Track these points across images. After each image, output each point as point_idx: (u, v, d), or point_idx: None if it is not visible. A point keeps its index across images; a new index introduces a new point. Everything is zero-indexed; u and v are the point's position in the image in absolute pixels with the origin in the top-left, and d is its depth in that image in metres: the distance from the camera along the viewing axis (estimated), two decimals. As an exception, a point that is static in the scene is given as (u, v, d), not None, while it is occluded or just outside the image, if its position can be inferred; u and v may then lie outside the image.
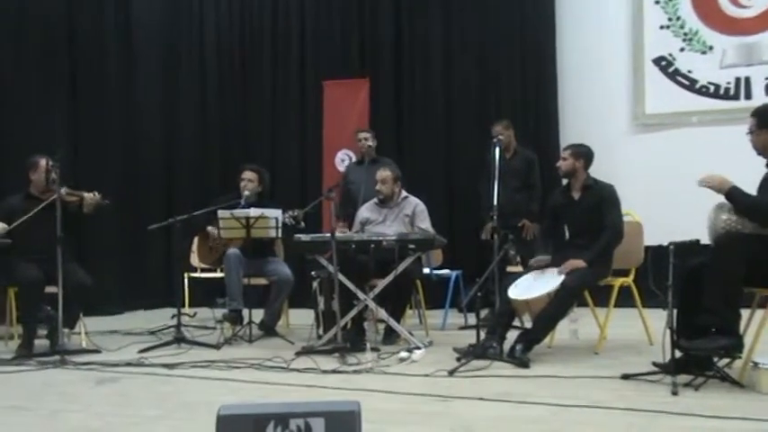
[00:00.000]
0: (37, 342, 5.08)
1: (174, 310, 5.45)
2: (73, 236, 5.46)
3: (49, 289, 5.02)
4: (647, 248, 4.95)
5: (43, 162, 5.30)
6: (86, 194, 5.32)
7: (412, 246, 5.08)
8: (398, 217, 5.62)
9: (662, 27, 7.59)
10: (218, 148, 8.86)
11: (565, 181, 5.04)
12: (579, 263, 4.53)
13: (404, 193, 5.74)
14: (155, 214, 7.08)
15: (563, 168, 4.88)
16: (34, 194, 5.35)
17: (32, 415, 3.40)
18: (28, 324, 5.06)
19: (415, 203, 5.67)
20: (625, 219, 4.84)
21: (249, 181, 6.02)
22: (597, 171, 4.98)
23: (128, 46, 8.31)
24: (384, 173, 5.70)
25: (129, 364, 4.54)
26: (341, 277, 4.95)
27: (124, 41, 8.27)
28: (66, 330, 4.97)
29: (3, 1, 7.22)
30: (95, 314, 6.66)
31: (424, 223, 5.55)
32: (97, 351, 5.05)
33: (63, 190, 5.13)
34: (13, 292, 5.26)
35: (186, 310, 6.15)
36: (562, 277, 4.48)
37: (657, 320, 4.13)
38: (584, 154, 4.87)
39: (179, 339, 5.24)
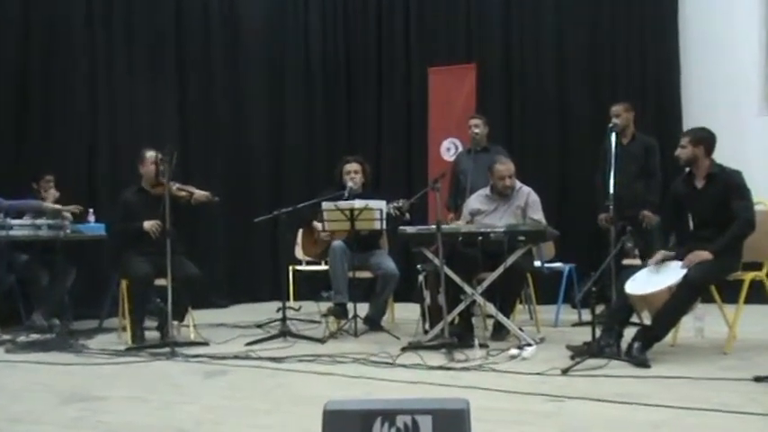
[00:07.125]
0: (147, 334, 5.23)
1: (280, 304, 5.46)
2: (183, 229, 5.57)
3: (160, 281, 5.13)
4: (782, 239, 4.55)
5: (151, 155, 5.43)
6: (197, 191, 5.41)
7: (522, 237, 4.89)
8: (510, 208, 5.41)
9: (800, 0, 7.07)
10: (324, 139, 8.87)
11: (687, 169, 4.71)
12: (704, 254, 4.26)
13: (518, 184, 5.51)
14: (262, 208, 7.14)
15: (682, 157, 4.57)
16: (145, 188, 5.52)
17: (149, 406, 3.46)
18: (138, 318, 5.20)
19: (527, 193, 5.45)
20: (757, 208, 4.51)
21: (354, 173, 5.90)
22: (724, 157, 4.64)
23: (235, 38, 8.43)
24: (508, 166, 5.43)
25: (236, 357, 4.58)
26: (447, 271, 4.84)
27: (231, 35, 8.40)
28: (175, 323, 5.07)
29: (117, 8, 7.46)
30: (203, 307, 6.81)
31: (537, 214, 5.33)
32: (205, 343, 5.11)
33: (174, 186, 5.23)
34: (126, 286, 5.41)
35: (291, 303, 6.18)
36: (684, 270, 4.22)
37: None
38: (704, 139, 4.54)
39: (285, 333, 5.25)
